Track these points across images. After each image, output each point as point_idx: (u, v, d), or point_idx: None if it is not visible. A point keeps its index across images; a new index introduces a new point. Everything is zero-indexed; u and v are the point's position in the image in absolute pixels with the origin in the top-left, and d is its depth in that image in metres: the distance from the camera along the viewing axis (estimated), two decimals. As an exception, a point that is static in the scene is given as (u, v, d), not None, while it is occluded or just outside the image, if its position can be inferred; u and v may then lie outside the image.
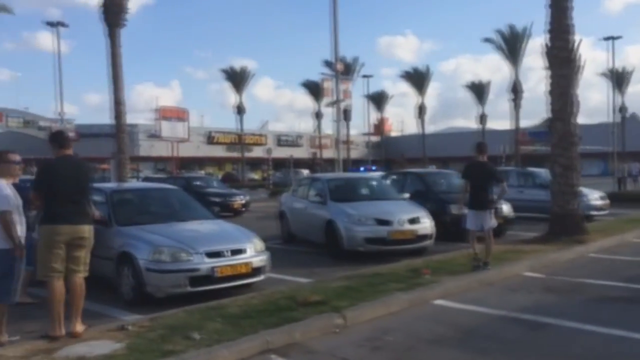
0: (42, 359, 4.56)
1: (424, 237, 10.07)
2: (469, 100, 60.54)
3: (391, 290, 6.81)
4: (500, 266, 8.33)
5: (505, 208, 12.19)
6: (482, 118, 60.09)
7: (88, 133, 48.59)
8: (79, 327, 5.25)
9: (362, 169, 41.15)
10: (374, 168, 41.86)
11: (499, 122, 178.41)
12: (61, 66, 40.23)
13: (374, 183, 12.52)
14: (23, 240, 5.19)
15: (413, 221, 10.01)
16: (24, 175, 6.07)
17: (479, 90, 59.82)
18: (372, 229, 9.73)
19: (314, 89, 58.91)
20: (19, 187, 5.46)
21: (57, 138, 5.59)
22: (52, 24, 39.32)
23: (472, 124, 63.90)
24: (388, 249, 9.79)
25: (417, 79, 60.57)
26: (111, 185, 10.06)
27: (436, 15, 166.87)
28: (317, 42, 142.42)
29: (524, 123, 53.97)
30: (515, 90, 47.59)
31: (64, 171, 5.39)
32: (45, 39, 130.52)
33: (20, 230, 5.20)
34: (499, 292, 7.28)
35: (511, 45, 46.80)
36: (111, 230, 7.37)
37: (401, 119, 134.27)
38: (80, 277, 5.43)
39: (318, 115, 62.90)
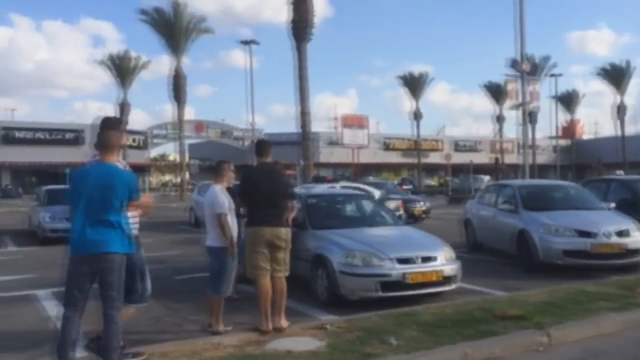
0: (254, 349, 4.95)
1: (634, 252, 8.96)
2: (679, 96, 52.87)
3: (601, 309, 6.15)
4: None
5: None
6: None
7: (275, 141, 52.15)
8: (284, 323, 5.61)
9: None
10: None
11: None
12: (252, 80, 44.01)
13: (572, 191, 11.49)
14: (236, 240, 5.72)
15: (621, 234, 8.96)
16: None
17: (693, 85, 52.02)
18: (572, 241, 8.91)
19: (495, 91, 56.47)
20: (231, 192, 6.04)
21: (258, 146, 6.08)
22: (246, 42, 43.14)
23: (684, 124, 55.68)
24: (591, 263, 8.88)
25: (615, 75, 54.76)
26: (305, 190, 10.62)
27: (634, 5, 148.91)
28: (497, 43, 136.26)
29: None
30: None
31: (264, 177, 5.82)
32: (238, 57, 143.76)
33: (234, 230, 5.74)
34: None
35: None
36: (307, 233, 7.77)
37: (594, 121, 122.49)
38: (281, 277, 5.80)
39: (499, 119, 60.10)
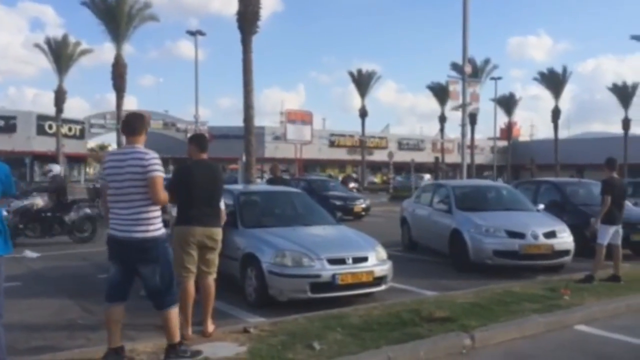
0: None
1: (562, 252, 9.21)
2: (609, 103, 55.75)
3: (526, 311, 6.23)
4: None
5: None
6: (626, 123, 54.93)
7: (219, 135, 51.36)
8: (210, 328, 5.35)
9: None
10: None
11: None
12: (198, 72, 42.99)
13: (504, 192, 11.74)
14: None
15: (550, 235, 9.19)
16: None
17: (623, 93, 54.79)
18: (502, 242, 9.07)
19: (439, 92, 57.50)
20: None
21: (199, 141, 5.74)
22: (192, 33, 42.11)
23: (612, 129, 58.70)
24: (520, 263, 9.08)
25: (552, 80, 56.76)
26: (239, 187, 10.34)
27: (573, 14, 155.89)
28: (444, 44, 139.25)
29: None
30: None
31: (201, 174, 5.49)
32: (185, 47, 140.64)
33: None
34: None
35: (663, 41, 42.09)
36: (237, 231, 7.53)
37: (531, 124, 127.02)
38: (211, 279, 5.54)
39: (442, 119, 61.31)
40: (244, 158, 26.14)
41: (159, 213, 4.50)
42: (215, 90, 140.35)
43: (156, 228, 4.43)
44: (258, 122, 27.60)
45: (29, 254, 10.83)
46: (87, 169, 66.08)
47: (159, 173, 4.35)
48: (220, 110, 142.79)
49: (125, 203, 4.37)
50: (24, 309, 6.36)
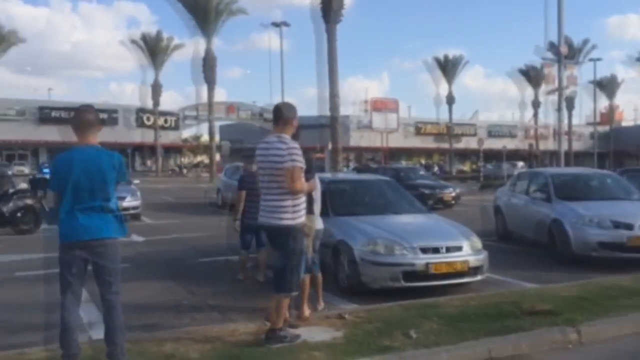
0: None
1: (674, 245, 8.51)
2: None
3: (637, 305, 5.82)
4: None
5: None
6: None
7: (306, 124, 51.98)
8: (307, 312, 5.44)
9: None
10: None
11: None
12: (283, 63, 43.82)
13: (609, 180, 11.01)
14: None
15: (661, 226, 8.52)
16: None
17: None
18: (607, 233, 8.51)
19: (531, 76, 54.95)
20: None
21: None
22: (277, 24, 42.95)
23: None
24: (627, 256, 8.48)
25: (658, 60, 52.52)
26: (328, 175, 10.42)
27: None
28: (533, 27, 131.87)
29: None
30: None
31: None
32: (269, 39, 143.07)
33: None
34: None
35: None
36: (328, 219, 7.57)
37: (634, 107, 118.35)
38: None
39: (535, 104, 58.56)
40: (330, 146, 26.39)
41: (296, 202, 4.56)
42: (299, 81, 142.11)
43: (290, 217, 4.53)
44: (342, 111, 27.67)
45: (136, 237, 11.57)
46: (182, 159, 69.42)
47: (296, 163, 4.45)
48: (304, 100, 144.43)
49: (266, 190, 4.59)
50: (134, 289, 6.77)
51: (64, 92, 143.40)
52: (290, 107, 4.80)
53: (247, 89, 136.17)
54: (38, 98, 55.24)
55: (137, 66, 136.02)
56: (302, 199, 4.65)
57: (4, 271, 8.24)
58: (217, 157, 47.13)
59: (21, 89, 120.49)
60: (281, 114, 4.66)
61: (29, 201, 12.84)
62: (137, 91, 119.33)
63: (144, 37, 51.63)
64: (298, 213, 4.59)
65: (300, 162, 4.48)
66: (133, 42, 51.79)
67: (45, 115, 52.13)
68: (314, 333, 4.93)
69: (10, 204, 12.67)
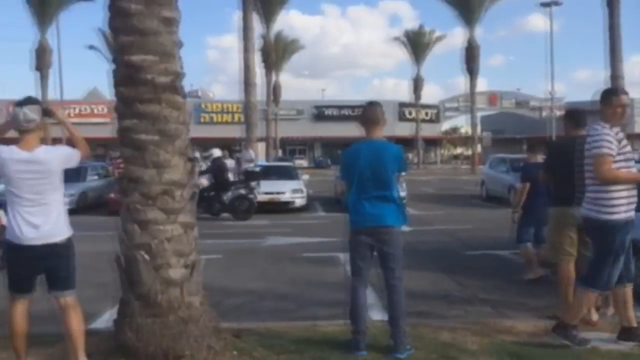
0: (552, 340, 4.41)
1: None
2: None
3: None
4: None
5: None
6: None
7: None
8: (594, 317, 4.90)
9: None
10: None
11: None
12: (553, 45, 40.38)
13: None
14: None
15: None
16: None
17: None
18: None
19: None
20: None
21: (574, 116, 5.31)
22: (546, 4, 39.79)
23: None
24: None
25: None
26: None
27: None
28: None
29: None
30: None
31: (565, 152, 5.01)
32: (536, 21, 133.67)
33: None
34: None
35: None
36: None
37: None
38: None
39: None
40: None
41: (614, 194, 4.11)
42: (570, 64, 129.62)
43: (608, 211, 4.14)
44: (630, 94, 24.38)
45: (403, 227, 11.97)
46: (442, 151, 69.86)
47: (601, 150, 4.04)
48: (577, 85, 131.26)
49: (590, 180, 4.29)
50: (405, 277, 7.00)
51: (334, 91, 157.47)
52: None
53: (510, 77, 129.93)
54: (312, 98, 61.49)
55: (397, 62, 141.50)
56: (623, 192, 4.11)
57: (294, 252, 9.35)
58: (478, 148, 46.06)
59: (298, 91, 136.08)
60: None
61: (242, 191, 14.28)
62: (398, 86, 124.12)
63: (407, 34, 53.14)
64: (616, 207, 4.10)
65: (607, 149, 4.01)
66: (396, 39, 53.85)
67: (320, 113, 57.92)
68: (605, 341, 4.40)
69: (229, 194, 14.23)
